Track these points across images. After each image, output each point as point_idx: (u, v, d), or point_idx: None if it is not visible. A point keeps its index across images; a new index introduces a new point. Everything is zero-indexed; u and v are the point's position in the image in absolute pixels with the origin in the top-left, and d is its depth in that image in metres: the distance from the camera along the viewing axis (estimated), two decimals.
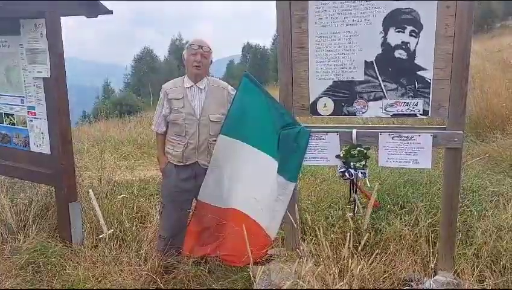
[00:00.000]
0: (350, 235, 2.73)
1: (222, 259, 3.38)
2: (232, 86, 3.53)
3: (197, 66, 3.27)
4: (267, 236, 3.23)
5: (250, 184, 3.25)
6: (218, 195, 3.37)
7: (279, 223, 3.21)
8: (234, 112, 3.24)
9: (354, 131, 2.94)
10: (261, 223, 3.22)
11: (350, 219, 2.99)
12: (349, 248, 2.67)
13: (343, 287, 2.49)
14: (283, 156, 3.07)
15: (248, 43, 50.62)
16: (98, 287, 3.17)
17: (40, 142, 3.86)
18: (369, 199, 3.08)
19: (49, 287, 3.36)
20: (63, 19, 3.58)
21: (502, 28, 31.13)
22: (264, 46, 48.85)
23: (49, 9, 3.45)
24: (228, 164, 3.31)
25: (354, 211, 3.11)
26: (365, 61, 2.88)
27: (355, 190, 3.07)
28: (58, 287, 3.34)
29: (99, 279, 3.28)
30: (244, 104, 3.19)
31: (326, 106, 3.02)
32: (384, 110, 2.91)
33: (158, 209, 3.85)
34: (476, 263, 2.93)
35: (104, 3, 3.81)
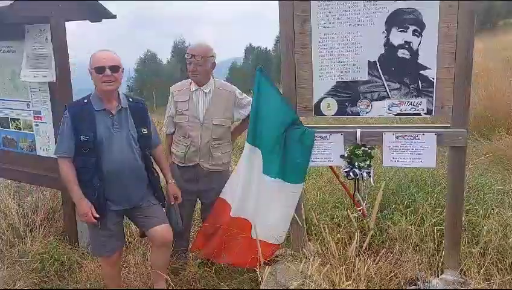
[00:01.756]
0: (357, 235, 2.74)
1: (228, 262, 3.38)
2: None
3: (192, 75, 3.30)
4: (275, 244, 3.22)
5: (262, 197, 3.19)
6: (233, 199, 3.34)
7: (287, 227, 3.21)
8: (252, 114, 3.15)
9: (358, 131, 2.95)
10: (268, 240, 3.20)
11: (354, 219, 3.00)
12: (356, 247, 2.68)
13: (350, 287, 2.50)
14: (289, 158, 3.07)
15: (250, 44, 50.65)
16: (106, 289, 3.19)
17: (46, 146, 3.89)
18: (357, 207, 3.09)
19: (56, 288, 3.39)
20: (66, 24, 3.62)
21: (505, 25, 30.99)
22: (266, 48, 48.86)
23: (53, 14, 3.48)
24: (244, 170, 3.24)
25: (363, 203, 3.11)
26: (368, 61, 2.88)
27: (359, 189, 3.08)
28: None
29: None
30: (259, 102, 3.12)
31: (329, 106, 3.03)
32: (388, 109, 2.92)
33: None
34: (482, 262, 2.93)
35: (106, 4, 3.85)
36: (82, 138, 2.72)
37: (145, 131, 2.92)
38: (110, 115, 2.82)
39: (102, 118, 2.79)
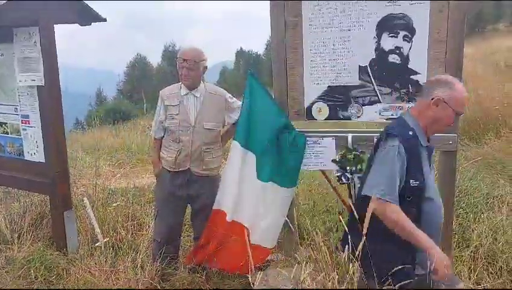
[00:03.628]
0: (350, 240, 2.72)
1: (219, 267, 3.35)
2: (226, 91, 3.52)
3: (184, 79, 3.27)
4: (267, 248, 3.21)
5: (255, 201, 3.17)
6: (228, 205, 3.31)
7: (279, 231, 3.19)
8: (244, 118, 3.14)
9: (350, 135, 2.95)
10: (262, 244, 3.18)
11: (345, 224, 2.98)
12: (348, 253, 2.66)
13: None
14: (281, 162, 3.06)
15: (241, 48, 50.69)
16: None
17: (34, 150, 3.83)
18: (349, 212, 3.08)
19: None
20: (55, 27, 3.58)
21: (493, 30, 31.44)
22: (257, 52, 48.93)
23: (43, 17, 3.44)
24: (237, 174, 3.19)
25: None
26: (359, 66, 2.89)
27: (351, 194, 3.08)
28: None
29: (96, 287, 3.26)
30: (251, 106, 3.11)
31: (321, 110, 3.03)
32: (379, 114, 2.93)
33: (153, 214, 3.84)
34: (472, 266, 2.94)
35: (94, 5, 3.81)
36: (412, 182, 2.08)
37: None
38: (427, 153, 2.20)
39: (424, 156, 2.18)
